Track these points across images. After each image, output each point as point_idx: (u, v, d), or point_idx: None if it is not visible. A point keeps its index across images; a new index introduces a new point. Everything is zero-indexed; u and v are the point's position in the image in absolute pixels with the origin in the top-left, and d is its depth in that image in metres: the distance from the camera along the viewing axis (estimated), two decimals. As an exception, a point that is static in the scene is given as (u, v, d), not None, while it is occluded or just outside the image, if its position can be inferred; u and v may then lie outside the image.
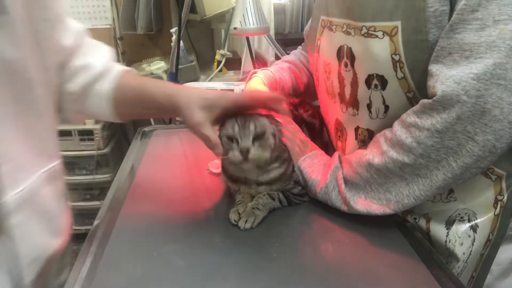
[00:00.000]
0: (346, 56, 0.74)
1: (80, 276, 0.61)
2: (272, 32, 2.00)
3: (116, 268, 0.63)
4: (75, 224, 2.34)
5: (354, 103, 0.75)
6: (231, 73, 1.93)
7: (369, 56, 0.69)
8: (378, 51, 0.67)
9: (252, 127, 0.69)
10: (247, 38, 1.80)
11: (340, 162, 0.76)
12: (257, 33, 1.73)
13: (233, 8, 1.68)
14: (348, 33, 0.72)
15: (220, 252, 0.66)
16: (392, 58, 0.65)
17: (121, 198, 0.83)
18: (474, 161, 0.58)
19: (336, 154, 0.79)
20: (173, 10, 2.26)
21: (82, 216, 2.33)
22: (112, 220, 0.75)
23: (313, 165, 0.78)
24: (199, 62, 2.02)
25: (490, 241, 0.69)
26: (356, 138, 0.79)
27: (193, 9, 1.71)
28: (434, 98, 0.59)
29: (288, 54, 1.13)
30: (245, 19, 1.63)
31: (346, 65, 0.74)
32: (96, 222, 0.75)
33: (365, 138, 0.76)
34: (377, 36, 0.67)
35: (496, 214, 0.68)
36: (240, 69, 1.90)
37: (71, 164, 2.20)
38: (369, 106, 0.72)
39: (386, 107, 0.70)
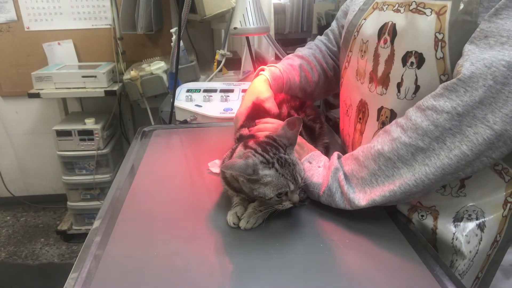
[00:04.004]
0: (388, 32, 0.74)
1: (80, 276, 0.61)
2: (272, 32, 2.00)
3: (116, 268, 0.62)
4: (75, 224, 2.35)
5: (384, 81, 0.75)
6: (231, 73, 1.93)
7: (412, 32, 0.69)
8: (423, 27, 0.67)
9: (300, 179, 0.69)
10: (247, 38, 1.80)
11: (340, 162, 0.76)
12: (257, 33, 1.73)
13: (233, 8, 1.68)
14: (398, 11, 0.73)
15: (220, 252, 0.66)
16: (436, 36, 0.65)
17: (121, 198, 0.82)
18: (487, 148, 0.58)
19: (334, 155, 0.78)
20: (173, 10, 2.26)
21: (82, 216, 2.34)
22: (112, 220, 0.74)
23: (312, 168, 0.78)
24: (199, 62, 2.02)
25: (497, 242, 0.69)
26: (377, 119, 0.78)
27: (193, 9, 1.71)
28: (459, 77, 0.59)
29: (288, 54, 1.12)
30: (245, 19, 1.63)
31: (385, 42, 0.74)
32: (96, 222, 0.74)
33: (386, 120, 0.76)
34: (424, 13, 0.67)
35: (504, 215, 0.68)
36: (240, 69, 1.90)
37: (71, 164, 2.20)
38: (399, 85, 0.72)
39: (417, 88, 0.69)
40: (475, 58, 0.58)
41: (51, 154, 2.36)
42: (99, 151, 2.16)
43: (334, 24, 1.07)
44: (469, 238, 0.69)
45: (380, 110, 0.77)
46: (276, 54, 1.93)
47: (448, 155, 0.60)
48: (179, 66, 1.60)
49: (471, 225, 0.70)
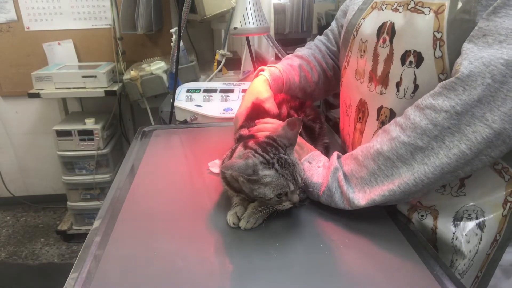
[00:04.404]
0: (386, 32, 0.74)
1: (80, 276, 0.61)
2: (272, 32, 2.00)
3: (116, 268, 0.63)
4: (75, 224, 2.35)
5: (384, 80, 0.75)
6: (231, 73, 1.93)
7: (411, 31, 0.69)
8: (422, 26, 0.67)
9: (300, 180, 0.69)
10: (247, 38, 1.80)
11: (340, 162, 0.76)
12: (257, 33, 1.73)
13: (233, 8, 1.68)
14: (396, 10, 0.73)
15: (220, 252, 0.66)
16: (434, 35, 0.65)
17: (121, 198, 0.82)
18: (486, 147, 0.58)
19: (334, 155, 0.78)
20: (173, 10, 2.26)
21: (82, 216, 2.34)
22: (112, 220, 0.74)
23: (312, 168, 0.78)
24: (199, 62, 2.02)
25: (497, 241, 0.69)
26: (377, 119, 0.78)
27: (193, 9, 1.71)
28: (457, 75, 0.59)
29: (288, 54, 1.12)
30: (245, 19, 1.63)
31: (384, 41, 0.74)
32: (96, 222, 0.74)
33: (386, 119, 0.76)
34: (423, 12, 0.67)
35: (504, 214, 0.68)
36: (240, 69, 1.90)
37: (71, 164, 2.20)
38: (398, 84, 0.72)
39: (416, 87, 0.69)
40: (474, 56, 0.58)
41: (51, 154, 2.36)
42: (99, 151, 2.16)
43: (333, 24, 1.07)
44: (469, 237, 0.69)
45: (379, 109, 0.77)
46: (276, 54, 1.93)
47: (447, 154, 0.60)
48: (179, 66, 1.60)
49: (471, 224, 0.70)
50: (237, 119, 0.91)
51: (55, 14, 2.27)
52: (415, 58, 0.68)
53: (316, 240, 0.69)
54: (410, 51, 0.69)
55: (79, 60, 2.37)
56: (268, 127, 0.82)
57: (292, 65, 1.02)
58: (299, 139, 0.83)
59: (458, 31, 0.63)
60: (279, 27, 2.76)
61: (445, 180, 0.63)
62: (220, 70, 1.85)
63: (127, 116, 2.53)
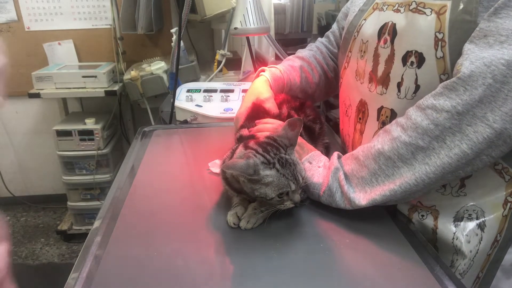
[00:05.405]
0: (388, 32, 0.74)
1: (81, 276, 0.61)
2: (272, 32, 1.99)
3: (116, 268, 0.63)
4: (75, 224, 2.35)
5: (384, 81, 0.75)
6: (231, 73, 1.93)
7: (412, 31, 0.69)
8: (423, 27, 0.67)
9: (301, 179, 0.69)
10: (247, 38, 1.80)
11: (340, 162, 0.76)
12: (257, 33, 1.73)
13: (233, 8, 1.68)
14: (398, 11, 0.73)
15: (220, 252, 0.66)
16: (436, 36, 0.65)
17: (121, 198, 0.83)
18: (487, 147, 0.58)
19: (334, 155, 0.78)
20: (173, 10, 2.26)
21: (82, 216, 2.34)
22: (112, 220, 0.75)
23: (312, 168, 0.78)
24: (199, 62, 2.02)
25: (497, 242, 0.69)
26: (377, 119, 0.78)
27: (193, 9, 1.71)
28: (459, 75, 0.59)
29: (288, 54, 1.12)
30: (245, 19, 1.63)
31: (385, 42, 0.74)
32: (96, 222, 0.74)
33: (386, 120, 0.76)
34: (424, 13, 0.67)
35: (504, 214, 0.68)
36: (240, 69, 1.90)
37: (71, 164, 2.20)
38: (399, 85, 0.72)
39: (417, 87, 0.69)
40: (475, 57, 0.58)
41: (51, 154, 2.36)
42: (99, 151, 2.16)
43: (334, 26, 1.08)
44: (469, 237, 0.69)
45: (380, 110, 0.77)
46: (276, 54, 1.92)
47: (448, 154, 0.60)
48: (180, 66, 1.60)
49: (472, 224, 0.70)
50: (237, 119, 0.91)
51: (56, 14, 2.27)
52: (416, 58, 0.68)
53: (316, 240, 0.69)
54: (411, 51, 0.69)
55: (79, 60, 2.37)
56: (268, 127, 0.82)
57: (293, 66, 1.02)
58: (300, 139, 0.83)
59: (459, 32, 0.63)
60: (279, 27, 2.76)
61: (446, 180, 0.63)
62: (220, 70, 1.85)
63: (127, 116, 2.53)
